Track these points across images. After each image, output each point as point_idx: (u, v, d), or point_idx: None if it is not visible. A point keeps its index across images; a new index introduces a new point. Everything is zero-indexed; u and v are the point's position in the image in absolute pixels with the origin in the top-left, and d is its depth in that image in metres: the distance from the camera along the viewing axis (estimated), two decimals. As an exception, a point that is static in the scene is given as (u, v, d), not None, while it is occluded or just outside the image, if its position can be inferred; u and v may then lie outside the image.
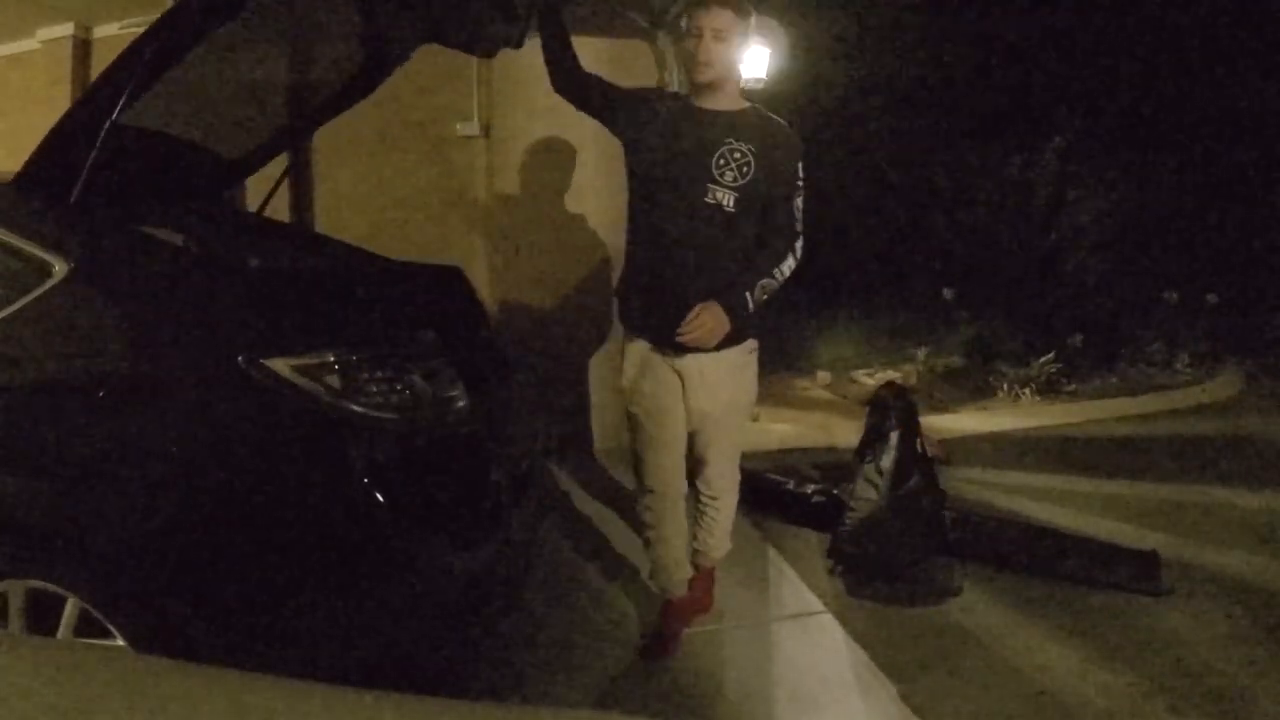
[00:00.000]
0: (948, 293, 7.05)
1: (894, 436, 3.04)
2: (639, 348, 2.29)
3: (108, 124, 1.79)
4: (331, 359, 1.71)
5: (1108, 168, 7.20)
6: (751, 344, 2.31)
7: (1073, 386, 6.01)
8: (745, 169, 2.11)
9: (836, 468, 3.88)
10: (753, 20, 2.14)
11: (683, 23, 2.16)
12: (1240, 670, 2.38)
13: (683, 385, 2.24)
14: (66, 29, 4.78)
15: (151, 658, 1.09)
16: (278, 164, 3.01)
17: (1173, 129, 8.96)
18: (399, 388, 1.81)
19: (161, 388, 1.71)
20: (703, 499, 2.42)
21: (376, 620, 1.77)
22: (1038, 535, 3.17)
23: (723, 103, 2.18)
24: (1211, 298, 7.13)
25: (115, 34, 4.67)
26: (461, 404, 1.95)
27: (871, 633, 2.55)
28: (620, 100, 2.23)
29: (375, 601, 1.75)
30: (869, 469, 3.04)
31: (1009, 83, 8.68)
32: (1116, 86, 8.83)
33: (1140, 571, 2.90)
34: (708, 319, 2.05)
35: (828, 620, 2.62)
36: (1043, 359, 6.03)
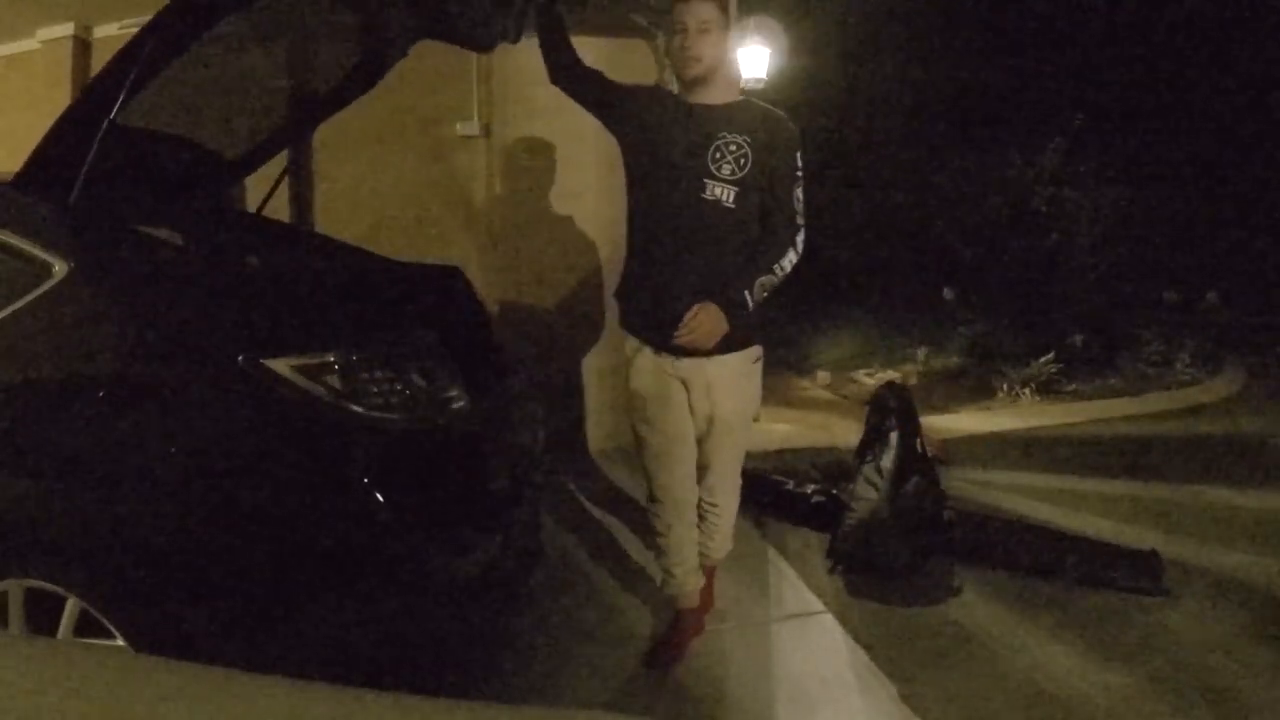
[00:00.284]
0: (948, 293, 7.06)
1: (894, 436, 3.04)
2: (641, 356, 2.24)
3: (106, 123, 1.79)
4: (332, 359, 1.71)
5: (1108, 167, 7.19)
6: (757, 351, 2.26)
7: (1073, 386, 6.01)
8: (743, 161, 2.07)
9: (836, 468, 3.88)
10: (733, 11, 2.11)
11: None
12: (1240, 670, 2.38)
13: (688, 393, 2.20)
14: (66, 29, 4.77)
15: (151, 658, 1.09)
16: (277, 163, 3.00)
17: (1173, 129, 8.96)
18: (399, 388, 1.81)
19: (161, 388, 1.71)
20: (704, 504, 2.37)
21: (376, 620, 1.77)
22: (1037, 535, 3.17)
23: (716, 96, 2.13)
24: (1211, 297, 7.13)
25: (115, 34, 4.66)
26: (461, 404, 1.95)
27: (871, 633, 2.55)
28: (617, 96, 2.20)
29: (375, 602, 1.75)
30: (869, 469, 3.04)
31: (1009, 82, 8.68)
32: (1117, 86, 8.84)
33: (1140, 571, 2.90)
34: (704, 319, 2.01)
35: (828, 620, 2.62)
36: (1043, 359, 6.03)
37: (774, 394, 5.64)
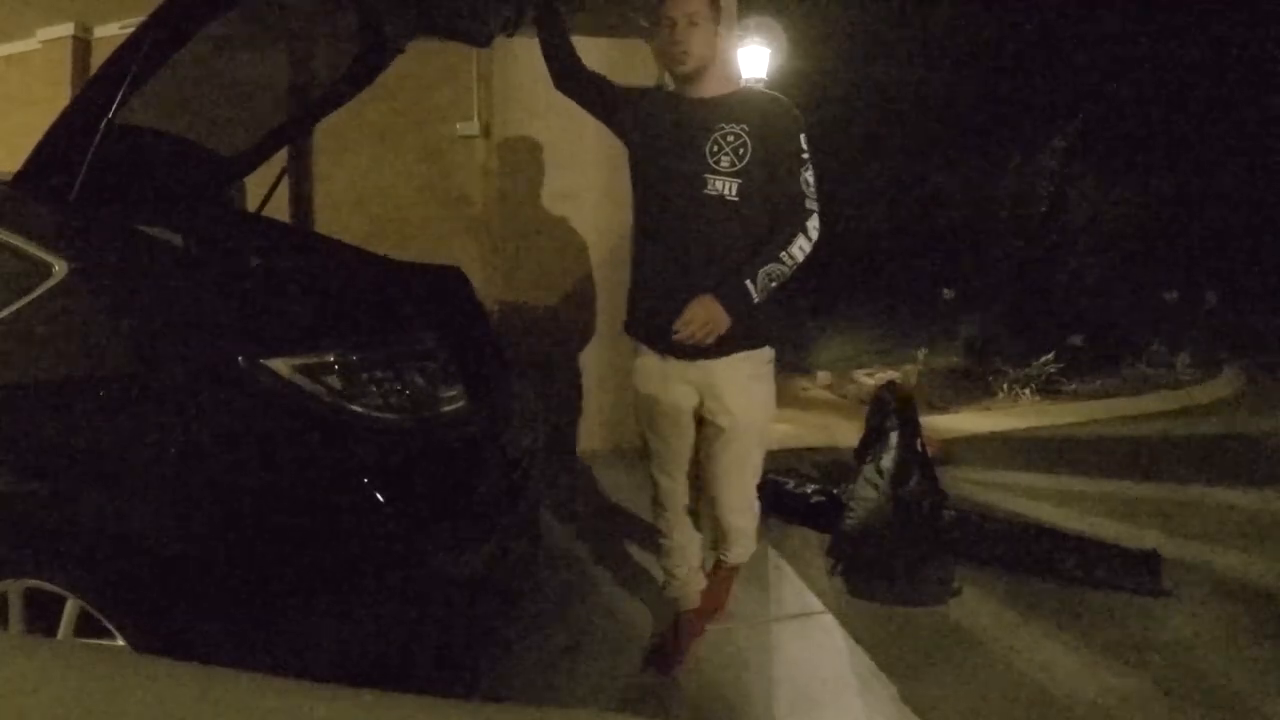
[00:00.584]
0: (948, 293, 7.05)
1: (894, 436, 3.04)
2: (646, 360, 2.18)
3: (104, 122, 1.79)
4: (331, 359, 1.71)
5: (1108, 168, 7.20)
6: (767, 353, 2.16)
7: (1073, 386, 6.01)
8: (742, 150, 1.99)
9: (836, 468, 3.88)
10: (729, 3, 2.08)
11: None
12: (1240, 670, 2.38)
13: (699, 398, 2.14)
14: (66, 29, 4.78)
15: (151, 658, 1.09)
16: (277, 163, 3.01)
17: (1173, 129, 8.97)
18: (399, 388, 1.80)
19: (161, 388, 1.71)
20: (719, 510, 2.27)
21: (376, 620, 1.77)
22: (1038, 535, 3.17)
23: (711, 89, 2.07)
24: (1211, 298, 7.13)
25: (115, 34, 4.67)
26: (461, 404, 1.95)
27: (871, 633, 2.55)
28: (621, 100, 2.18)
29: (375, 602, 1.75)
30: (869, 469, 3.04)
31: (1010, 83, 8.68)
32: (1117, 86, 8.84)
33: (1140, 571, 2.90)
34: (699, 312, 1.93)
35: (828, 620, 2.62)
36: (1043, 359, 6.03)
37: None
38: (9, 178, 1.90)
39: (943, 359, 6.66)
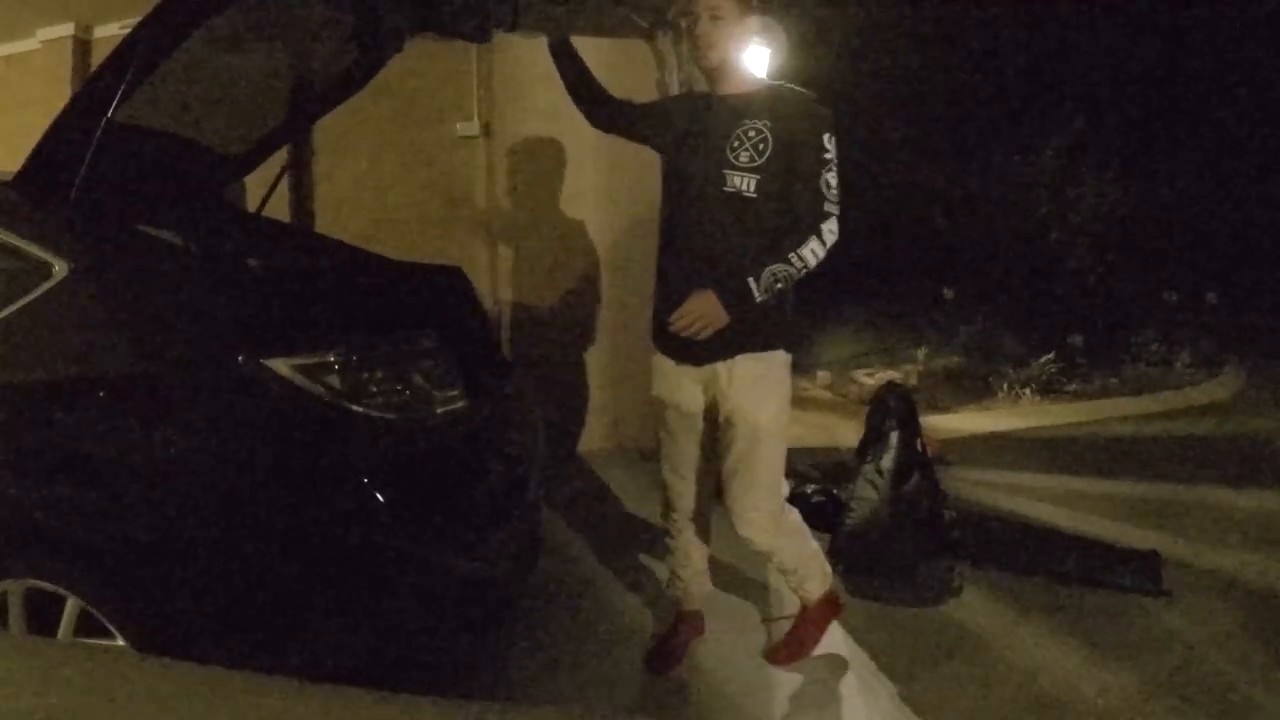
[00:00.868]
0: (948, 293, 7.05)
1: (894, 436, 3.04)
2: (662, 362, 2.18)
3: (104, 122, 1.79)
4: (332, 359, 1.71)
5: (1108, 167, 7.20)
6: (780, 357, 2.11)
7: (1073, 386, 6.01)
8: (762, 146, 1.96)
9: (836, 468, 3.88)
10: (754, 4, 2.07)
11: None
12: (1240, 670, 2.38)
13: (706, 400, 2.13)
14: (67, 29, 4.78)
15: (151, 658, 1.09)
16: (277, 162, 3.00)
17: (1174, 128, 8.97)
18: (399, 388, 1.81)
19: (161, 388, 1.71)
20: (738, 523, 2.14)
21: (376, 620, 1.77)
22: (1038, 535, 3.17)
23: (734, 86, 2.06)
24: (1211, 297, 7.13)
25: (115, 34, 4.66)
26: (461, 404, 1.95)
27: (871, 633, 2.55)
28: (652, 114, 2.22)
29: (375, 602, 1.75)
30: (869, 469, 3.04)
31: (1010, 82, 8.68)
32: (1118, 85, 8.84)
33: (1140, 571, 2.90)
34: (696, 305, 1.92)
35: (828, 620, 2.62)
36: (1043, 359, 6.03)
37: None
38: (9, 178, 1.90)
39: (943, 359, 6.66)
